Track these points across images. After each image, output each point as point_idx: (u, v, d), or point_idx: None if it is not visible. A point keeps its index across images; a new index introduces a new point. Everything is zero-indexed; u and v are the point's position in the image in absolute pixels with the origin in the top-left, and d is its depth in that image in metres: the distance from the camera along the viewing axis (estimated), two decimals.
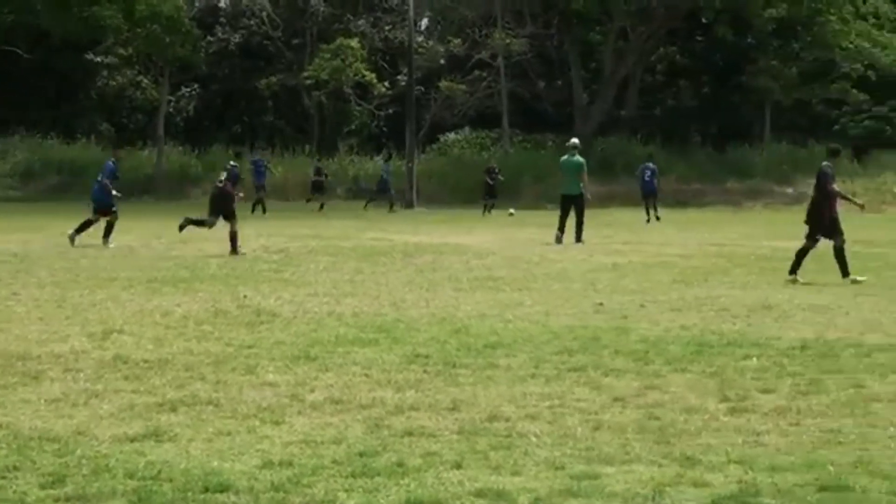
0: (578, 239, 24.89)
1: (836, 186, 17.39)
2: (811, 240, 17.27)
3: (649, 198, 37.34)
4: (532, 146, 56.11)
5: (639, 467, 6.57)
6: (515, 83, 56.38)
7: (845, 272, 16.87)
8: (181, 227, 22.97)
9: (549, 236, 25.32)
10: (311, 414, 7.96)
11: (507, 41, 53.47)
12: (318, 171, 44.55)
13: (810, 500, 5.94)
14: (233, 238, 21.63)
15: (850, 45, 53.15)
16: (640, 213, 37.17)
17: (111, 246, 22.86)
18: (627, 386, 8.93)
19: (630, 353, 10.35)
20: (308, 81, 55.35)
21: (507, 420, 7.74)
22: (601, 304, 14.09)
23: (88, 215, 23.86)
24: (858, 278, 16.74)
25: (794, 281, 16.82)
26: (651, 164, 38.76)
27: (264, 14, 57.97)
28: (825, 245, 17.20)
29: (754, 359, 10.04)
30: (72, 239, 22.95)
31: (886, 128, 56.21)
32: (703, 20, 55.87)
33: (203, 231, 23.33)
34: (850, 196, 17.94)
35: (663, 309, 13.68)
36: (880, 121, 56.71)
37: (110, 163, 24.60)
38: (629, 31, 55.22)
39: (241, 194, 24.10)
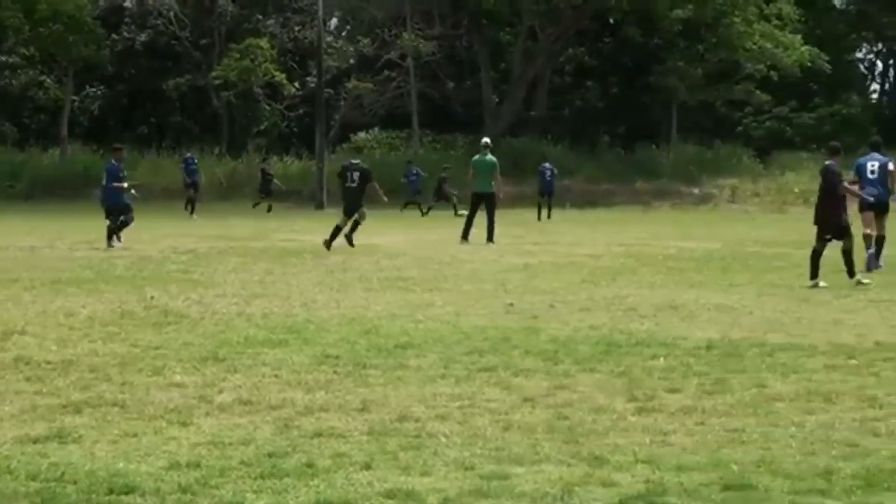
0: (490, 239, 24.97)
1: (846, 184, 17.04)
2: (821, 241, 16.74)
3: (546, 197, 38.47)
4: (442, 146, 56.24)
5: (548, 467, 6.58)
6: (425, 83, 56.46)
7: (851, 273, 16.51)
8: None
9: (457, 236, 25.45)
10: (219, 415, 7.88)
11: (417, 42, 53.50)
12: (265, 173, 44.37)
13: (715, 500, 5.99)
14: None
15: (754, 47, 53.91)
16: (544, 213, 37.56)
17: (117, 245, 22.85)
18: (537, 386, 8.96)
19: (540, 354, 10.38)
20: (217, 82, 54.93)
21: (417, 420, 7.73)
22: (511, 304, 14.14)
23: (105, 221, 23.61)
24: (864, 280, 16.42)
25: (816, 285, 16.15)
26: (549, 165, 40.03)
27: (171, 14, 57.32)
28: (733, 245, 17.41)
29: (661, 358, 10.12)
30: (110, 246, 22.77)
31: (787, 128, 57.24)
32: (611, 21, 56.43)
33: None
34: (853, 190, 17.58)
35: (573, 309, 13.75)
36: (781, 121, 57.74)
37: (112, 164, 24.28)
38: (538, 32, 55.55)
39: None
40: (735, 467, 6.52)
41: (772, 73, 54.37)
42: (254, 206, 42.85)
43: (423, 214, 40.61)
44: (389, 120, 57.85)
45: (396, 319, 12.67)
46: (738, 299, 14.75)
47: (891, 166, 19.96)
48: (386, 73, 55.99)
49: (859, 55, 69.82)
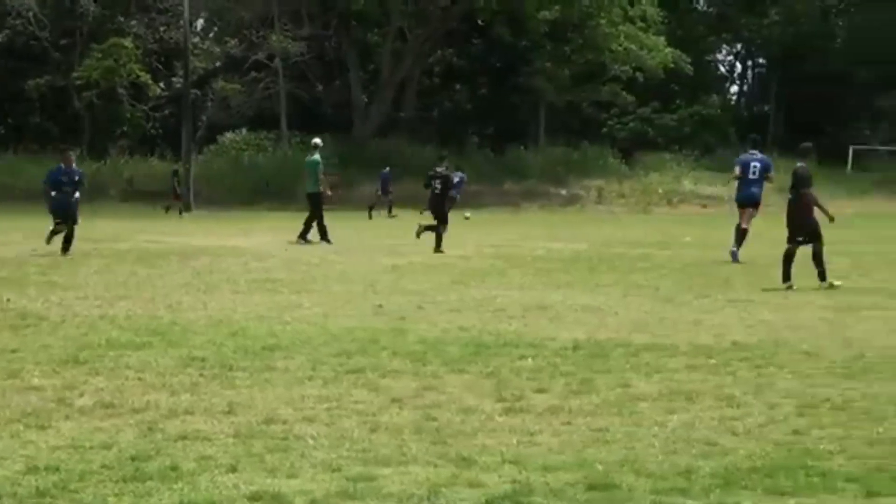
0: (302, 236, 25.18)
1: (812, 191, 16.78)
2: (793, 243, 16.69)
3: (387, 196, 40.38)
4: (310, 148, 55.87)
5: (415, 468, 6.58)
6: (294, 84, 56.08)
7: (823, 276, 16.35)
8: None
9: (332, 238, 25.40)
10: (79, 418, 7.72)
11: (285, 42, 53.11)
12: (176, 174, 43.84)
13: (580, 499, 6.04)
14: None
15: (620, 48, 54.70)
16: (413, 215, 37.64)
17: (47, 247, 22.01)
18: (405, 387, 8.95)
19: (408, 355, 10.37)
20: (78, 82, 53.76)
21: (284, 423, 7.66)
22: (380, 305, 14.11)
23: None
24: (836, 283, 16.30)
25: (790, 288, 16.11)
26: (386, 170, 41.88)
27: (30, 14, 55.84)
28: (599, 246, 17.60)
29: (530, 359, 10.18)
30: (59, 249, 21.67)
31: (649, 129, 58.29)
32: (480, 22, 56.73)
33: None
34: (822, 205, 16.94)
35: (442, 310, 13.78)
36: (644, 122, 58.79)
37: (55, 168, 22.89)
38: (407, 33, 55.61)
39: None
40: (600, 467, 6.58)
41: (637, 74, 55.22)
42: (166, 211, 42.33)
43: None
44: (258, 121, 57.31)
45: (264, 321, 12.55)
46: (605, 300, 14.93)
47: (771, 173, 21.54)
48: (254, 74, 55.45)
49: (719, 56, 71.50)
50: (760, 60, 70.38)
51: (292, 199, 44.21)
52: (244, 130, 57.53)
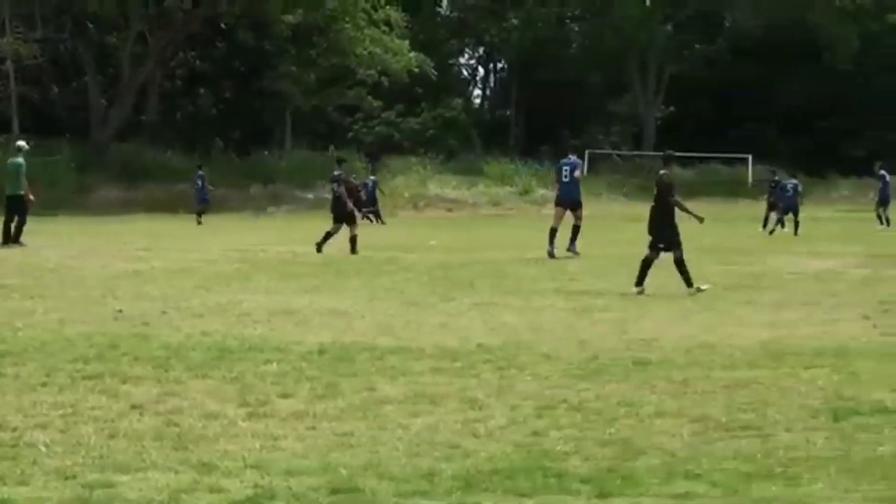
0: (14, 240, 24.61)
1: (677, 197, 16.73)
2: (653, 250, 16.60)
3: (203, 205, 39.97)
4: (45, 152, 53.87)
5: (155, 474, 6.48)
6: (27, 87, 53.90)
7: (689, 282, 16.27)
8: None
9: (63, 243, 24.63)
10: None
11: (17, 45, 50.95)
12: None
13: (322, 503, 6.04)
14: None
15: (365, 52, 54.98)
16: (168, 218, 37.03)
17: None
18: (146, 393, 8.76)
19: (150, 360, 10.16)
20: None
21: (14, 430, 7.44)
22: (121, 310, 13.77)
23: None
24: (703, 287, 16.25)
25: (642, 292, 16.11)
26: (201, 172, 41.03)
27: None
28: (346, 249, 17.58)
29: (274, 364, 10.11)
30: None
31: (395, 133, 58.87)
32: (223, 26, 56.04)
33: None
34: (688, 208, 16.98)
35: (185, 315, 13.55)
36: (390, 126, 59.34)
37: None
38: (147, 36, 54.35)
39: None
40: (343, 471, 6.58)
41: (382, 78, 55.62)
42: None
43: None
44: None
45: None
46: (351, 304, 14.96)
47: (577, 172, 23.72)
48: None
49: (462, 61, 72.84)
50: (501, 65, 72.04)
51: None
52: None
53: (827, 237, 31.27)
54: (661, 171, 17.19)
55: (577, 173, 23.77)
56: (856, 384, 9.22)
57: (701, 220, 17.14)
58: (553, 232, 23.01)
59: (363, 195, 41.08)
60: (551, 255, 22.42)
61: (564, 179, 23.61)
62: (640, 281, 16.38)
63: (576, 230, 23.29)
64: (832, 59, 60.50)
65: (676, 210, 16.69)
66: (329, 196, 24.50)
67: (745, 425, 7.80)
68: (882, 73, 61.43)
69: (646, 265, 16.51)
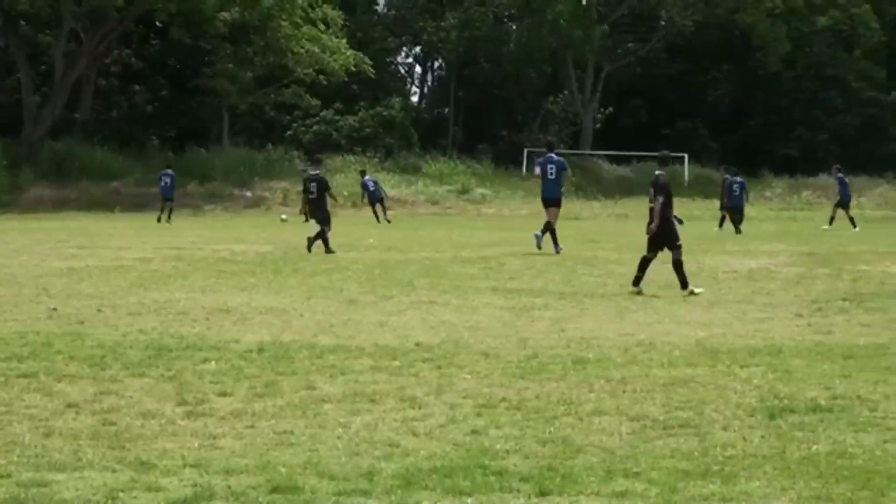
0: None
1: (660, 200, 16.32)
2: (652, 251, 16.44)
3: (168, 202, 39.71)
4: None
5: (91, 473, 6.43)
6: None
7: (684, 284, 16.10)
8: None
9: None
10: None
11: None
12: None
13: (262, 502, 6.02)
14: None
15: (302, 51, 54.77)
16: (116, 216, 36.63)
17: None
18: (82, 391, 8.69)
19: (86, 359, 10.08)
20: None
21: None
22: (55, 309, 13.63)
23: None
24: (696, 290, 16.05)
25: (640, 293, 15.96)
26: (169, 171, 40.71)
27: None
28: (285, 248, 17.51)
29: (213, 362, 10.07)
30: None
31: (333, 132, 58.69)
32: (158, 23, 55.58)
33: None
34: (670, 215, 16.57)
35: (122, 314, 13.45)
36: (328, 125, 59.15)
37: None
38: (81, 34, 53.76)
39: None
40: (283, 469, 6.56)
41: (320, 77, 55.45)
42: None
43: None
44: None
45: None
46: (290, 302, 14.91)
47: (567, 171, 24.44)
48: None
49: (399, 59, 72.75)
50: (439, 64, 72.07)
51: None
52: None
53: (761, 236, 31.60)
54: (658, 172, 16.90)
55: (567, 172, 24.51)
56: (790, 382, 9.33)
57: (681, 221, 17.09)
58: (553, 232, 23.47)
59: (365, 198, 41.43)
60: (557, 251, 23.02)
61: (550, 177, 23.77)
62: (636, 282, 16.33)
63: (547, 227, 23.62)
64: (764, 60, 61.23)
65: (672, 210, 16.67)
66: (307, 195, 24.56)
67: (682, 423, 7.87)
68: (812, 74, 62.31)
69: (643, 264, 16.45)
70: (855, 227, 35.06)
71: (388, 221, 39.16)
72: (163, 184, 40.32)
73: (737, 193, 34.55)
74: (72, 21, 52.69)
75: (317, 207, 24.76)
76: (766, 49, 60.55)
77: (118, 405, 8.26)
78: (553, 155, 24.19)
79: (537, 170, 24.41)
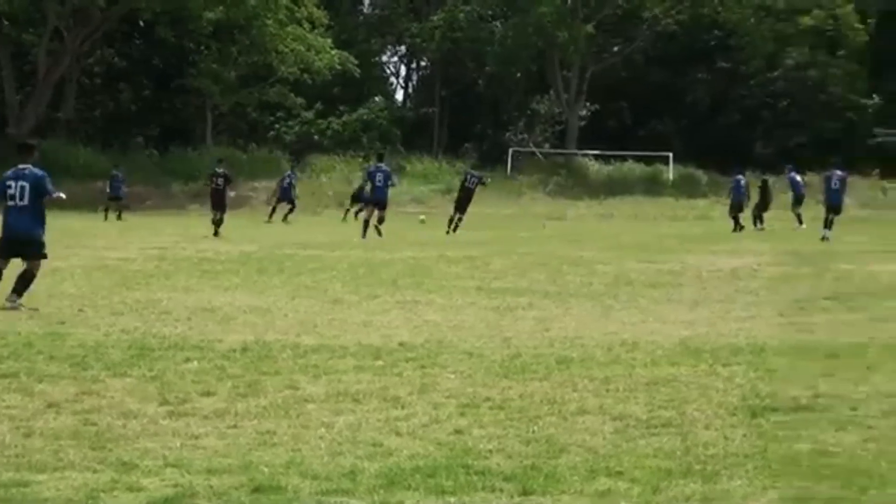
0: None
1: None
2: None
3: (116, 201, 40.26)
4: None
5: (72, 474, 6.40)
6: None
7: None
8: None
9: None
10: None
11: None
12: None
13: (244, 502, 5.99)
14: None
15: (287, 50, 54.66)
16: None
17: None
18: (63, 392, 8.65)
19: (67, 359, 10.03)
20: None
21: None
22: (36, 309, 13.57)
23: None
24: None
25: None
26: (119, 172, 41.27)
27: None
28: (269, 247, 17.46)
29: (195, 362, 10.03)
30: None
31: (317, 132, 58.65)
32: (142, 22, 55.45)
33: None
34: None
35: (104, 313, 13.39)
36: (312, 124, 59.08)
37: None
38: (64, 33, 53.61)
39: None
40: (265, 469, 6.54)
41: (304, 76, 55.34)
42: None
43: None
44: None
45: None
46: (273, 302, 14.89)
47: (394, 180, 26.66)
48: None
49: (384, 59, 72.66)
50: (424, 63, 72.01)
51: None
52: None
53: (746, 235, 31.64)
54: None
55: (392, 180, 29.11)
56: (773, 382, 9.34)
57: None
58: (367, 224, 26.81)
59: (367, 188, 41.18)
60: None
61: (378, 184, 27.62)
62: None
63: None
64: (746, 60, 61.34)
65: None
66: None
67: (665, 423, 7.87)
68: (793, 74, 62.41)
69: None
70: (801, 224, 35.42)
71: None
72: (115, 183, 41.01)
73: (836, 187, 32.96)
74: (55, 20, 52.54)
75: (221, 197, 31.34)
76: (748, 49, 60.68)
77: (99, 405, 8.22)
78: (382, 164, 29.13)
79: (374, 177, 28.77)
